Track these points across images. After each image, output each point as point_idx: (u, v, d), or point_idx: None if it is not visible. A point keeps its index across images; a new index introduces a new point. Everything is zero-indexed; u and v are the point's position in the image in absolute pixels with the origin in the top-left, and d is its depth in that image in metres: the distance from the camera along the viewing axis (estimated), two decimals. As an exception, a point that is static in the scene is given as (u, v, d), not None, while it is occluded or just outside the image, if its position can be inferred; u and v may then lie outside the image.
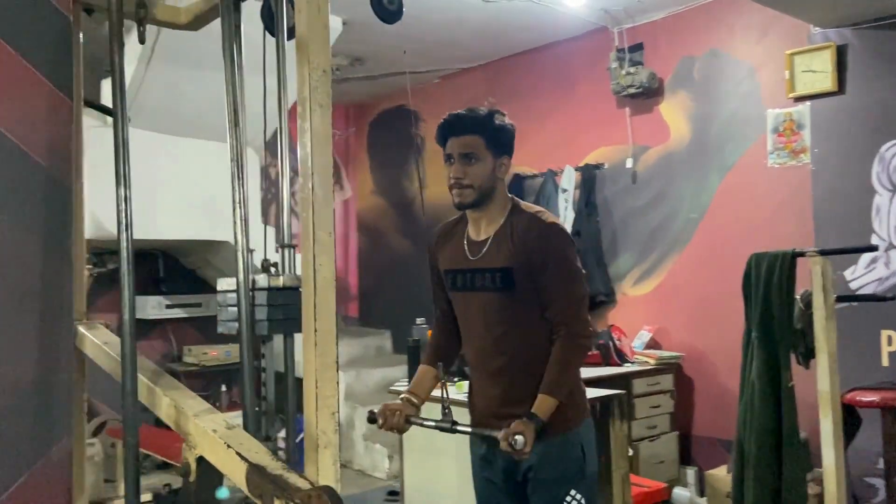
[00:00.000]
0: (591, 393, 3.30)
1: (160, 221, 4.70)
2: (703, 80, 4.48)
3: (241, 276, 1.60)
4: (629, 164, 4.80)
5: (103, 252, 5.36)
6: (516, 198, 2.11)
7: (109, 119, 4.64)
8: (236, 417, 5.49)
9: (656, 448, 4.26)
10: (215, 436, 1.08)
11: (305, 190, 1.35)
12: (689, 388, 4.50)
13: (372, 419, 2.04)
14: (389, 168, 6.57)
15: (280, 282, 1.60)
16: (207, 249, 5.24)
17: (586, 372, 4.18)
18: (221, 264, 5.40)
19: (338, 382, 1.34)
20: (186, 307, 5.49)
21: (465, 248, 2.09)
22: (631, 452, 4.09)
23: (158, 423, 4.57)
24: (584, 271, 2.05)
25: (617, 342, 4.39)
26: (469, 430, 1.94)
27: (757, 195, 4.20)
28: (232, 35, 1.90)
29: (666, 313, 4.64)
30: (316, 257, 1.33)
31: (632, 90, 4.60)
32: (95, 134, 4.61)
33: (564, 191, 5.01)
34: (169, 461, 4.03)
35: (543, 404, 1.90)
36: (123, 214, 1.62)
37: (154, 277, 5.61)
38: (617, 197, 4.89)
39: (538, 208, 2.10)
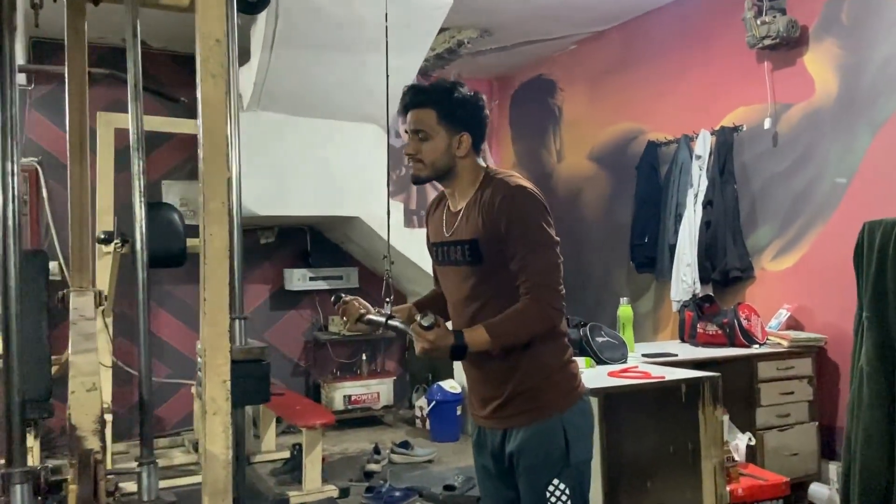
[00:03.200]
0: (677, 374, 3.06)
1: (292, 199, 5.00)
2: (853, 23, 3.89)
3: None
4: (768, 124, 4.32)
5: (256, 228, 5.82)
6: (491, 167, 2.00)
7: (246, 104, 4.97)
8: (376, 385, 5.72)
9: (787, 439, 3.84)
10: (74, 398, 1.16)
11: (199, 160, 1.38)
12: (834, 375, 3.99)
13: (336, 300, 2.07)
14: (529, 140, 6.45)
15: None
16: (345, 225, 5.50)
17: (703, 352, 3.90)
18: (359, 239, 5.65)
19: (230, 351, 1.35)
20: (328, 279, 5.81)
21: (444, 221, 2.04)
22: (752, 441, 3.74)
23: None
24: (557, 238, 1.89)
25: (744, 321, 4.00)
26: (399, 325, 1.90)
27: (915, 154, 3.60)
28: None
29: (809, 291, 4.14)
30: (206, 227, 1.35)
31: (768, 41, 4.11)
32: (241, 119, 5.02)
33: (699, 157, 4.62)
34: (292, 423, 4.32)
35: (474, 332, 1.81)
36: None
37: (303, 251, 5.99)
38: (756, 162, 4.43)
39: (509, 172, 1.97)
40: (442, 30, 5.41)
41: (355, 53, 4.69)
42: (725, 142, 4.52)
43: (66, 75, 1.92)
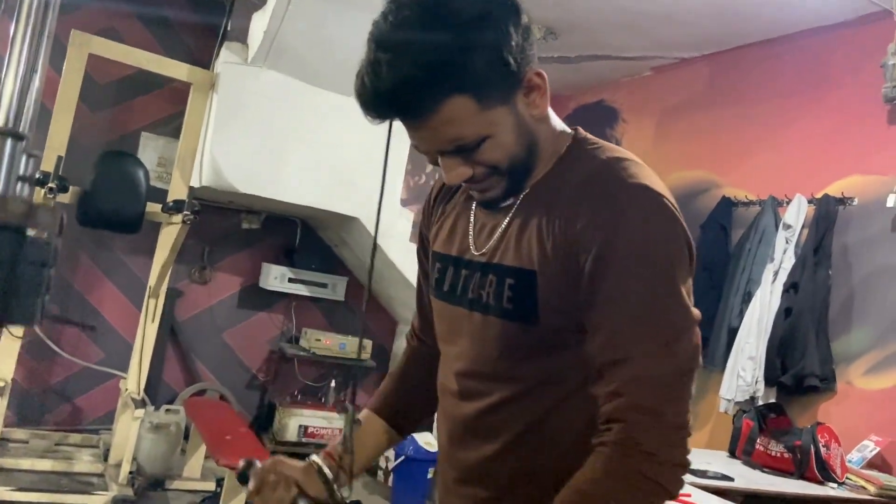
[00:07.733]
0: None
1: (283, 182, 4.11)
2: None
3: None
4: (892, 202, 3.38)
5: (240, 209, 4.93)
6: (581, 130, 1.05)
7: (252, 56, 4.08)
8: (339, 420, 4.70)
9: None
10: None
11: None
12: (929, 544, 3.02)
13: (242, 479, 1.08)
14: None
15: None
16: (341, 225, 4.59)
17: (763, 480, 2.92)
18: (355, 245, 4.74)
19: None
20: (310, 285, 4.90)
21: (472, 220, 1.08)
22: None
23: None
24: (694, 309, 0.96)
25: (822, 449, 3.04)
26: None
27: None
28: None
29: (908, 424, 3.18)
30: None
31: (913, 97, 3.21)
32: (232, 72, 4.15)
33: (788, 227, 3.69)
34: (213, 457, 3.38)
35: None
36: None
37: (289, 247, 5.08)
38: (864, 246, 3.49)
39: (616, 152, 1.01)
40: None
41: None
42: (827, 214, 3.58)
43: None
